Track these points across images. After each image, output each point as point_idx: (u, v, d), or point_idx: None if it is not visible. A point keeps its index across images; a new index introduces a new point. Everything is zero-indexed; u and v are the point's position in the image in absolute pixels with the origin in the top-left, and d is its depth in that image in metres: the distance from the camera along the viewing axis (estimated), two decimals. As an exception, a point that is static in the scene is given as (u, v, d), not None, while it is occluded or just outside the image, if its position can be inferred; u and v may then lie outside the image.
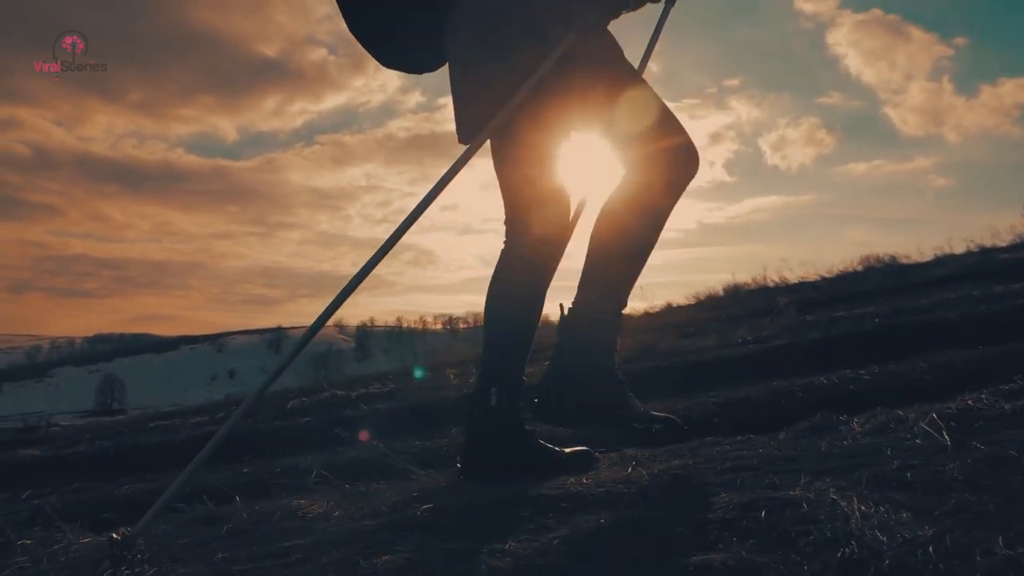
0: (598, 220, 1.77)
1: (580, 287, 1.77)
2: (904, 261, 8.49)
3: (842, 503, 1.13)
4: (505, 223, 1.89)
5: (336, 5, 1.93)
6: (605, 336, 1.74)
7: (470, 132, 1.84)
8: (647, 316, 9.06)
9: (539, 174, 1.85)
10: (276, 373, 2.05)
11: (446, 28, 1.88)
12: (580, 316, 1.74)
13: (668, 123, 1.75)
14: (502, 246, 1.90)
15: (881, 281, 7.61)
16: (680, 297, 10.72)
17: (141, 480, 3.44)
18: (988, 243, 7.75)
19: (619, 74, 1.77)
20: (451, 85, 1.90)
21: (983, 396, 1.73)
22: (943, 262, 7.46)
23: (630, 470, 1.53)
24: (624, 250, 1.75)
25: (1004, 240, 7.65)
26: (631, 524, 1.16)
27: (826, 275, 8.73)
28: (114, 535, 1.60)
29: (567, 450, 1.79)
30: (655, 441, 2.03)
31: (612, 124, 1.76)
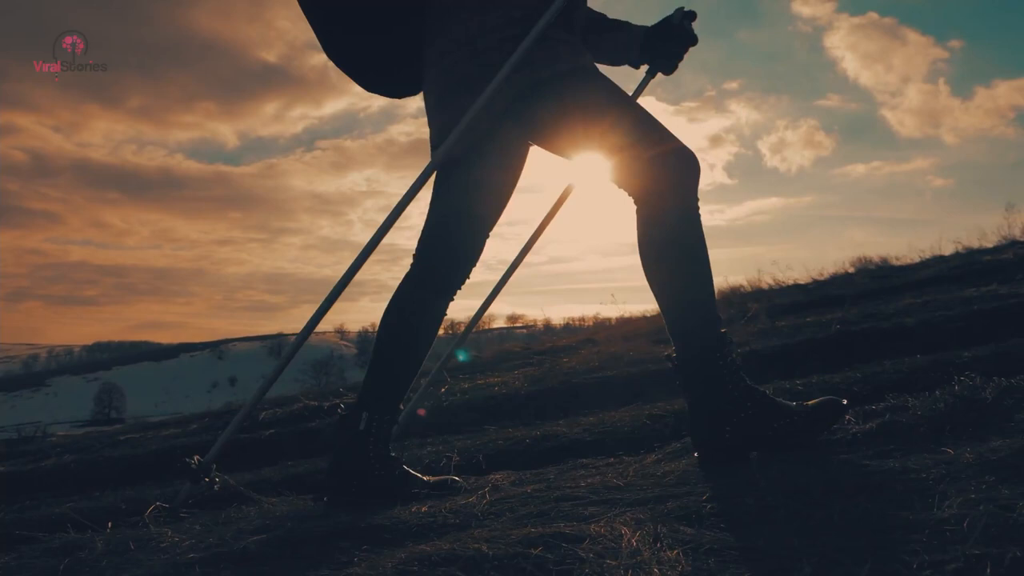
0: (642, 260, 1.74)
1: (670, 329, 1.71)
2: (895, 263, 8.42)
3: (626, 539, 1.13)
4: (416, 255, 1.89)
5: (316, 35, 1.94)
6: (722, 361, 1.65)
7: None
8: (636, 321, 9.05)
9: (470, 222, 1.85)
10: (270, 380, 2.08)
11: (424, 57, 1.88)
12: (689, 356, 1.66)
13: (657, 133, 1.72)
14: (407, 269, 1.90)
15: (869, 283, 7.54)
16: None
17: (89, 497, 3.49)
18: (975, 244, 7.67)
19: (601, 106, 1.74)
20: (427, 114, 1.90)
21: (848, 416, 1.72)
22: (929, 264, 7.38)
23: (473, 499, 1.54)
24: (681, 271, 1.68)
25: (991, 241, 7.57)
26: (420, 560, 1.17)
27: (818, 278, 8.67)
28: (188, 460, 1.83)
29: (431, 478, 1.80)
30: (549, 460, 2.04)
31: (602, 154, 1.74)
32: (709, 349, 1.64)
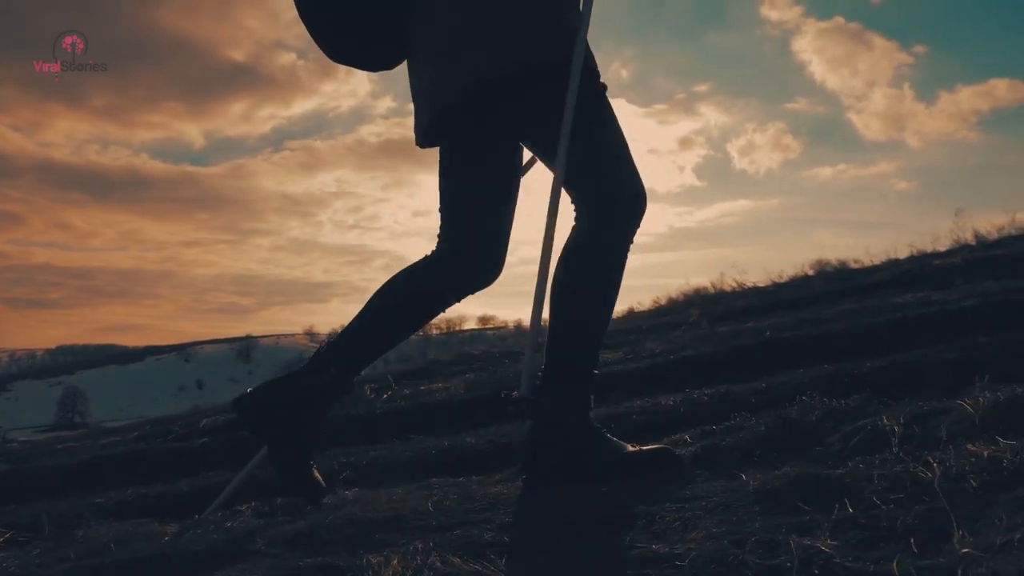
0: (557, 270, 1.71)
1: (552, 348, 1.67)
2: (854, 266, 8.47)
3: (391, 570, 1.13)
4: (453, 247, 1.76)
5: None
6: (581, 398, 1.65)
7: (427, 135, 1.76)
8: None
9: (498, 206, 1.76)
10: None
11: (408, 24, 1.77)
12: (556, 384, 1.65)
13: (620, 166, 1.70)
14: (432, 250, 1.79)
15: (823, 287, 7.58)
16: (648, 301, 10.73)
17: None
18: (929, 248, 7.73)
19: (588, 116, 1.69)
20: (413, 85, 1.79)
21: (686, 436, 1.73)
22: (882, 268, 7.43)
23: (297, 522, 1.54)
24: (593, 302, 1.67)
25: (944, 245, 7.63)
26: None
27: (777, 280, 8.71)
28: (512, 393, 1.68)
29: (316, 478, 1.77)
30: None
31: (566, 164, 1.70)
32: (577, 387, 1.65)
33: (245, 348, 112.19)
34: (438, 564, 1.15)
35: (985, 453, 1.15)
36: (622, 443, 1.61)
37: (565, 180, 1.71)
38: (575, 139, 1.66)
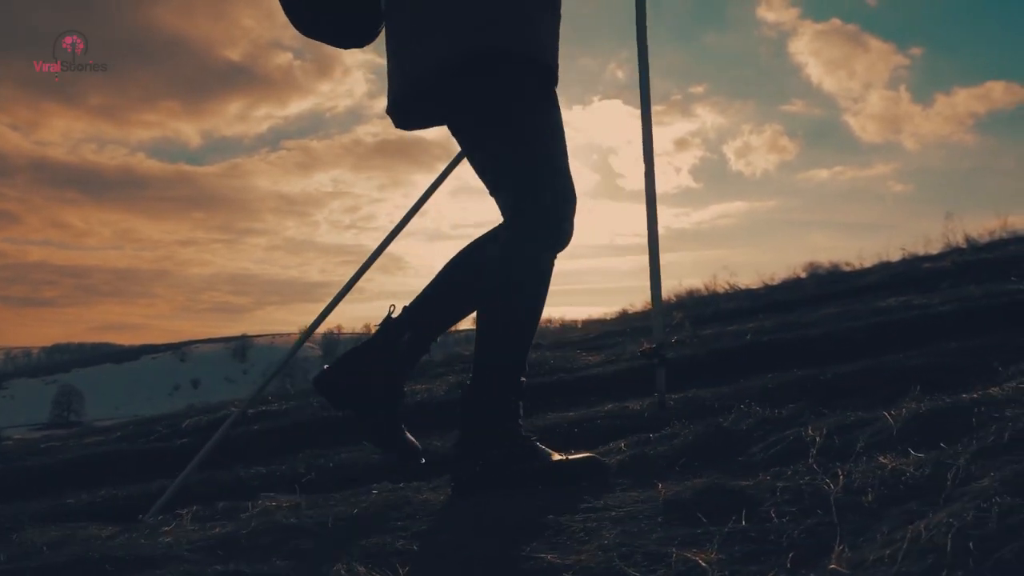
0: (482, 279, 1.69)
1: (480, 355, 1.69)
2: (846, 268, 8.45)
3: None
4: (513, 213, 1.70)
5: None
6: (509, 404, 1.65)
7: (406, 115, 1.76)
8: (582, 325, 9.07)
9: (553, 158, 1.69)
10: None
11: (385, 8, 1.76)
12: (483, 390, 1.66)
13: (551, 180, 1.67)
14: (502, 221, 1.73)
15: (814, 290, 7.57)
16: (640, 303, 10.72)
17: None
18: (921, 251, 7.70)
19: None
20: (389, 62, 1.77)
21: (622, 443, 1.74)
22: (872, 271, 7.40)
23: (228, 526, 1.55)
24: (510, 314, 1.68)
25: (936, 248, 7.60)
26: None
27: (769, 282, 8.70)
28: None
29: (410, 440, 1.75)
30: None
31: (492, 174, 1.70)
32: (505, 394, 1.65)
33: (240, 347, 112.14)
34: (343, 572, 1.15)
35: (889, 466, 1.14)
36: (550, 452, 1.61)
37: (491, 186, 1.71)
38: (511, 143, 1.65)
